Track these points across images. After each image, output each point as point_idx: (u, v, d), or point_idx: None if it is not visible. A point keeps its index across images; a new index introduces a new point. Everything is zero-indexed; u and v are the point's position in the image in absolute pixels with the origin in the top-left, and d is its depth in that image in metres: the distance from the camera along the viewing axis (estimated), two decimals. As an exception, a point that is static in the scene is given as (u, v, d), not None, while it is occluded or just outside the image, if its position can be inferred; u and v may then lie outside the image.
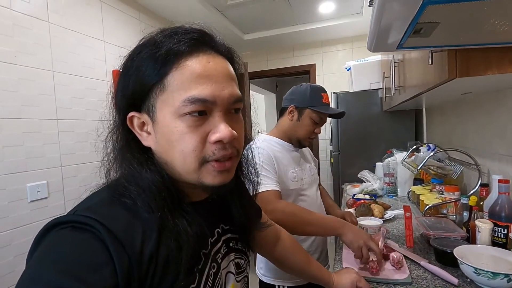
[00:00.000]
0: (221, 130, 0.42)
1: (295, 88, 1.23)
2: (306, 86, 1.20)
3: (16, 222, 1.33)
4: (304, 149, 1.31)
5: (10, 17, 1.32)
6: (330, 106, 1.21)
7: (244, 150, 0.54)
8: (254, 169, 0.59)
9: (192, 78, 0.41)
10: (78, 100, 1.62)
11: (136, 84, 0.43)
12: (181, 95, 0.41)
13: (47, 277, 0.33)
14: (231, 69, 0.47)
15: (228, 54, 0.48)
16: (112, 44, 1.87)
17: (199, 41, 0.44)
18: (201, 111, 0.42)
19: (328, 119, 2.30)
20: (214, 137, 0.42)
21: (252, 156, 0.58)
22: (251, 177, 0.58)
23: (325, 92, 1.21)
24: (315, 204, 1.23)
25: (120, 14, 1.94)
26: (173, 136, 0.42)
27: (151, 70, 0.42)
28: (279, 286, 1.16)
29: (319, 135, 3.65)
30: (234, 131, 0.43)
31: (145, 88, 0.43)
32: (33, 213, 1.40)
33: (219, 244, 0.53)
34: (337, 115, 1.23)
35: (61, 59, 1.54)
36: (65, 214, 0.40)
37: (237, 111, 0.47)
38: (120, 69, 0.47)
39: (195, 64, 0.42)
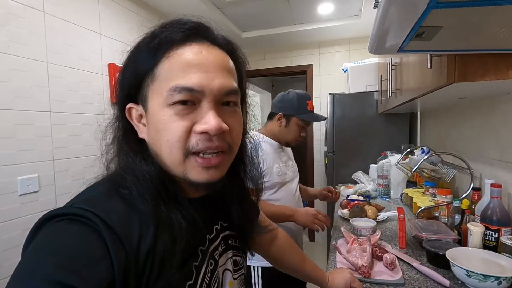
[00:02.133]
0: (208, 120, 0.40)
1: (283, 96, 1.34)
2: (293, 95, 1.31)
3: (6, 216, 1.30)
4: (287, 149, 1.43)
5: (3, 5, 1.29)
6: (314, 112, 1.36)
7: (248, 148, 0.53)
8: (256, 169, 0.57)
9: (180, 67, 0.41)
10: (72, 93, 1.59)
11: (131, 74, 0.43)
12: (168, 84, 0.40)
13: (42, 270, 0.32)
14: (229, 61, 0.45)
15: (227, 47, 0.47)
16: (108, 37, 1.83)
17: (193, 31, 0.43)
18: (186, 101, 0.40)
19: (326, 120, 2.34)
20: (199, 127, 0.41)
21: (256, 156, 0.56)
22: (252, 176, 0.56)
23: (310, 99, 1.34)
24: (292, 196, 1.36)
25: (117, 7, 1.91)
26: (160, 126, 0.41)
27: (144, 59, 0.42)
28: (254, 267, 1.23)
29: (314, 136, 3.62)
30: (224, 124, 0.42)
31: (138, 78, 0.43)
32: (23, 207, 1.37)
33: (217, 241, 0.53)
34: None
35: (56, 51, 1.51)
36: (62, 206, 0.39)
37: (230, 103, 0.45)
38: (123, 64, 0.46)
39: (185, 52, 0.41)
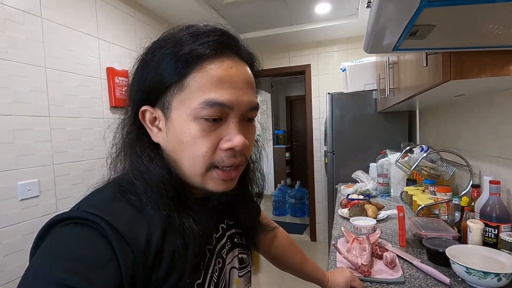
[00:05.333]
0: (235, 138, 0.42)
1: None
2: None
3: (6, 221, 1.30)
4: None
5: (1, 11, 1.29)
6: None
7: (253, 155, 0.54)
8: (261, 174, 0.59)
9: (212, 81, 0.41)
10: (71, 97, 1.60)
11: (154, 80, 0.43)
12: (199, 96, 0.41)
13: (50, 274, 0.32)
14: (251, 75, 0.47)
15: (250, 60, 0.48)
16: (106, 41, 1.84)
17: (224, 44, 0.43)
18: (216, 118, 0.42)
19: (326, 120, 2.25)
20: (226, 144, 0.42)
21: (261, 162, 0.58)
22: (257, 181, 0.58)
23: None
24: None
25: (114, 10, 1.92)
26: (185, 138, 0.42)
27: (172, 68, 0.41)
28: None
29: (314, 136, 3.61)
30: (246, 140, 0.43)
31: (163, 85, 0.42)
32: (24, 212, 1.37)
33: (224, 240, 0.53)
34: None
35: (54, 55, 1.51)
36: (68, 210, 0.40)
37: (250, 120, 0.47)
38: (138, 60, 0.46)
39: (217, 68, 0.42)
